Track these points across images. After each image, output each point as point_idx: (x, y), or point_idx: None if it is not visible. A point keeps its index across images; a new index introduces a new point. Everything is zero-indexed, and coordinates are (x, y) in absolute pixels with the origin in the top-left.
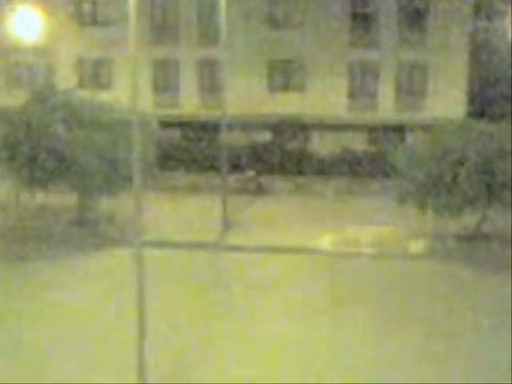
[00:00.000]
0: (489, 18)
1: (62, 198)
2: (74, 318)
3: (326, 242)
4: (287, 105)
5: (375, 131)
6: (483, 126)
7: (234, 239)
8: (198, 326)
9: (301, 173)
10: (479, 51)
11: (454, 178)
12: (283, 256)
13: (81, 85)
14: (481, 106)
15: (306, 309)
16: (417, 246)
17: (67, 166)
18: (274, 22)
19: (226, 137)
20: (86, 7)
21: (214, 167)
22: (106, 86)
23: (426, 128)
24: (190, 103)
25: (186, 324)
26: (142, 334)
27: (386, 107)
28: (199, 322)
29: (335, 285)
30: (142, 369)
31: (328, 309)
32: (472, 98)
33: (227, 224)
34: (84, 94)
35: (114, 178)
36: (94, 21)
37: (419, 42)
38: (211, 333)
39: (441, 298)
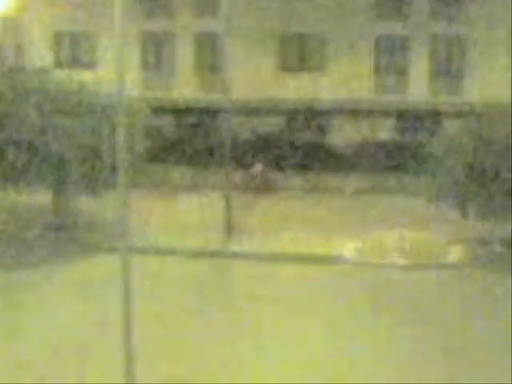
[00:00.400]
0: None
1: (36, 197)
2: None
3: (347, 249)
4: (302, 87)
5: (405, 118)
6: None
7: (238, 246)
8: (194, 358)
9: (317, 167)
10: None
11: (498, 173)
12: (298, 266)
13: (57, 64)
14: None
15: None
16: (455, 253)
17: (41, 159)
18: None
19: (229, 125)
20: None
21: (215, 161)
22: (86, 64)
23: (466, 114)
24: (186, 85)
25: (177, 355)
26: (129, 360)
27: (418, 89)
28: (195, 354)
29: (368, 302)
30: None
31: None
32: None
33: (230, 227)
34: (61, 74)
35: (96, 173)
36: None
37: (455, 12)
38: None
39: (499, 314)
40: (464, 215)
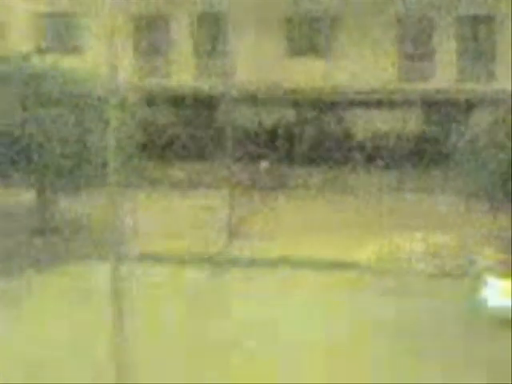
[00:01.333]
0: None
1: (18, 197)
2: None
3: (366, 254)
4: (313, 74)
5: (431, 107)
6: None
7: (242, 251)
8: None
9: (332, 163)
10: None
11: None
12: (310, 274)
13: (40, 49)
14: None
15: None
16: (487, 259)
17: (24, 155)
18: None
19: (232, 116)
20: None
21: (216, 156)
22: (72, 49)
23: (500, 102)
24: (184, 71)
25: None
26: None
27: (446, 76)
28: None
29: (387, 317)
30: None
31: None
32: None
33: (234, 230)
34: (44, 60)
35: (84, 170)
36: None
37: None
38: None
39: None
40: (496, 215)
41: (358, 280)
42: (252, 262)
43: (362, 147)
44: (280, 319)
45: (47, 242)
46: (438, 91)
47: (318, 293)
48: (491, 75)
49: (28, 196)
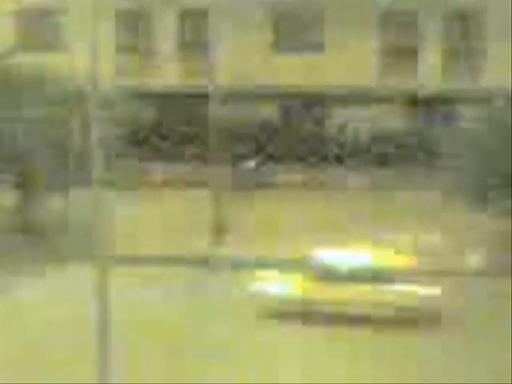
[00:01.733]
0: None
1: None
2: None
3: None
4: (300, 70)
5: (416, 105)
6: None
7: (229, 251)
8: None
9: (318, 161)
10: None
11: None
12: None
13: (20, 45)
14: None
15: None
16: (476, 259)
17: (4, 153)
18: None
19: (217, 114)
20: None
21: (201, 155)
22: (53, 45)
23: (485, 101)
24: (168, 68)
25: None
26: None
27: (431, 72)
28: None
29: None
30: None
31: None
32: None
33: (221, 230)
34: (24, 57)
35: (67, 169)
36: None
37: None
38: None
39: None
40: (483, 213)
41: None
42: (240, 263)
43: (346, 145)
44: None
45: (31, 242)
46: (422, 88)
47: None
48: (479, 71)
49: (11, 195)
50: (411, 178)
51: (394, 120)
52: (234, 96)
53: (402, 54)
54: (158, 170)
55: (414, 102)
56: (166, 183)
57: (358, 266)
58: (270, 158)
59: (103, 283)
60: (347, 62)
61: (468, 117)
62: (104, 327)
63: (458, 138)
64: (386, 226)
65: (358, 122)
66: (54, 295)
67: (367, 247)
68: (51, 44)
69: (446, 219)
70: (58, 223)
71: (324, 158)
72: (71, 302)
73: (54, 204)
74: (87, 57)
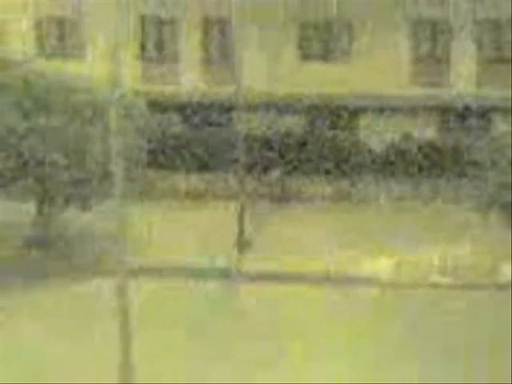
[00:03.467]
0: None
1: (16, 208)
2: None
3: (382, 267)
4: (327, 80)
5: (449, 115)
6: None
7: (254, 264)
8: None
9: (345, 172)
10: None
11: None
12: (323, 288)
13: (41, 53)
14: None
15: None
16: (507, 271)
17: (23, 165)
18: None
19: (242, 124)
20: None
21: (226, 165)
22: (75, 53)
23: None
24: (192, 77)
25: None
26: None
27: (464, 82)
28: None
29: (406, 331)
30: None
31: None
32: None
33: (245, 243)
34: (45, 65)
35: (87, 180)
36: None
37: None
38: None
39: None
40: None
41: (376, 295)
42: (265, 277)
43: (374, 156)
44: (295, 330)
45: (49, 255)
46: (455, 98)
47: (331, 306)
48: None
49: (29, 207)
50: (442, 190)
51: (424, 130)
52: (259, 105)
53: (433, 62)
54: (181, 181)
55: (445, 111)
56: (189, 194)
57: None
58: (296, 169)
59: (123, 296)
60: (375, 71)
61: (502, 127)
62: (125, 340)
63: (490, 149)
64: (415, 239)
65: (386, 132)
66: (73, 308)
67: (395, 261)
68: (72, 52)
69: (477, 232)
70: (77, 235)
71: (351, 170)
72: (91, 315)
73: (73, 216)
74: (109, 65)
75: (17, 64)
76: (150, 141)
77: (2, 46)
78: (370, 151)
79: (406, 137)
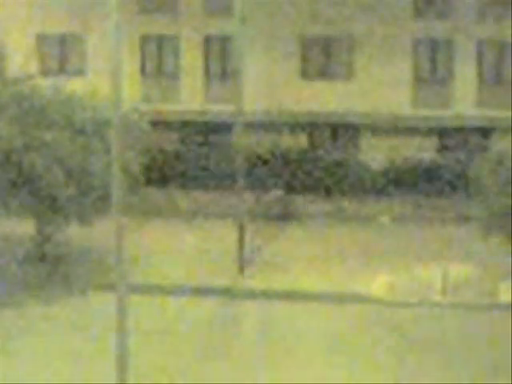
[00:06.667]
0: None
1: (16, 225)
2: None
3: (380, 286)
4: (328, 98)
5: (449, 135)
6: None
7: (254, 282)
8: None
9: (346, 191)
10: None
11: None
12: (322, 306)
13: (42, 71)
14: None
15: None
16: (507, 292)
17: (22, 181)
18: None
19: (242, 141)
20: None
21: (226, 183)
22: (76, 71)
23: None
24: (193, 95)
25: None
26: None
27: (464, 101)
28: None
29: (402, 351)
30: None
31: None
32: None
33: (245, 261)
34: (46, 82)
35: (87, 197)
36: None
37: (504, 11)
38: None
39: None
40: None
41: (374, 312)
42: (265, 295)
43: (374, 175)
44: (291, 347)
45: (49, 272)
46: (455, 118)
47: (327, 324)
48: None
49: (28, 224)
50: (442, 210)
51: (425, 149)
52: (260, 123)
53: (435, 82)
54: (181, 198)
55: (446, 131)
56: (189, 212)
57: None
58: (296, 187)
59: (123, 313)
60: (377, 90)
61: (504, 147)
62: (123, 358)
63: (490, 169)
64: (416, 257)
65: (387, 151)
66: (72, 325)
67: (398, 279)
68: (73, 69)
69: (479, 251)
70: (76, 252)
71: (351, 188)
72: (90, 331)
73: (73, 232)
74: (109, 82)
75: (18, 81)
76: (149, 158)
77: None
78: (369, 170)
79: (407, 157)
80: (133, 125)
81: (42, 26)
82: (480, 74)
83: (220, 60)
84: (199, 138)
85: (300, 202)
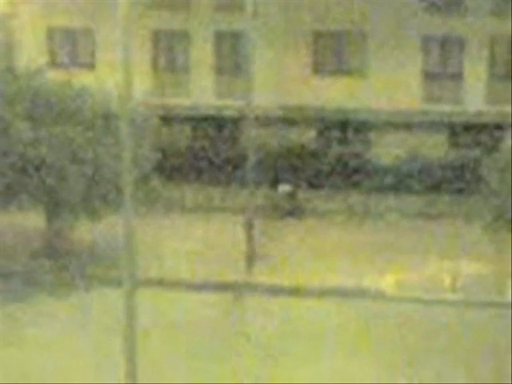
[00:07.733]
0: None
1: (26, 219)
2: None
3: (389, 283)
4: (338, 94)
5: (460, 131)
6: None
7: (262, 277)
8: None
9: (356, 188)
10: None
11: None
12: (331, 301)
13: (52, 64)
14: None
15: None
16: None
17: (33, 175)
18: None
19: (252, 137)
20: None
21: (235, 179)
22: (86, 65)
23: None
24: (203, 90)
25: None
26: None
27: (476, 97)
28: None
29: (410, 348)
30: None
31: None
32: None
33: (254, 257)
34: (56, 76)
35: (96, 192)
36: None
37: None
38: None
39: None
40: None
41: (382, 309)
42: (273, 290)
43: (385, 171)
44: (301, 344)
45: (58, 267)
46: (466, 114)
47: (335, 319)
48: None
49: (38, 218)
50: (452, 207)
51: (437, 146)
52: (270, 118)
53: (446, 77)
54: (191, 193)
55: (457, 126)
56: (198, 206)
57: None
58: (307, 183)
59: (131, 308)
60: (388, 86)
61: None
62: (131, 352)
63: (500, 166)
64: (426, 254)
65: (399, 147)
66: (80, 320)
67: (407, 276)
68: (84, 63)
69: (488, 248)
70: (86, 247)
71: (361, 184)
72: (98, 327)
73: (82, 227)
74: (119, 76)
75: (28, 74)
76: (160, 152)
77: (12, 57)
78: (380, 166)
79: (418, 153)
80: (143, 119)
81: (53, 20)
82: (491, 70)
83: (231, 55)
84: (209, 133)
85: (309, 197)
